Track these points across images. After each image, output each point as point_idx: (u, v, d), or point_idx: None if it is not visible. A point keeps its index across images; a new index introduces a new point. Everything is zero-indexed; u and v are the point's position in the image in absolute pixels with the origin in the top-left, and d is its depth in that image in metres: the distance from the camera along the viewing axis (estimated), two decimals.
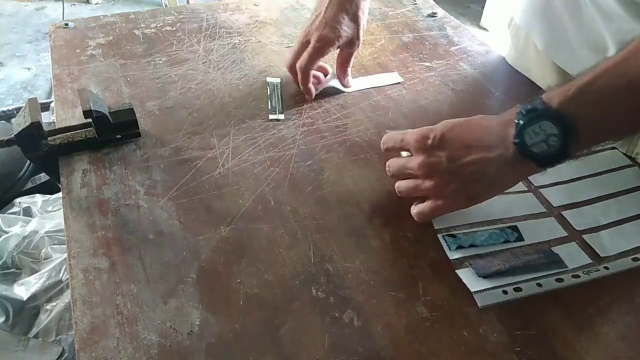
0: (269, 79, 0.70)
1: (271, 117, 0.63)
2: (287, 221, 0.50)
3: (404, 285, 0.45)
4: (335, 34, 0.62)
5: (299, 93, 0.68)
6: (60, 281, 0.97)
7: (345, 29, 0.62)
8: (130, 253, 0.47)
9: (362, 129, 0.62)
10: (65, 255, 0.96)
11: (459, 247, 0.49)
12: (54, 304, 0.94)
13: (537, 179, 0.56)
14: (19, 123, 0.52)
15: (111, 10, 2.69)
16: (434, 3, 0.92)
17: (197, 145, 0.59)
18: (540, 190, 0.55)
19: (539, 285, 0.46)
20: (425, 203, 0.48)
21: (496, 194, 0.47)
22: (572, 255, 0.49)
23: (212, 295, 0.44)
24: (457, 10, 2.77)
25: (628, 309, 0.45)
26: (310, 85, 0.65)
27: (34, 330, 0.91)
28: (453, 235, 0.50)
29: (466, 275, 0.46)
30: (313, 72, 0.65)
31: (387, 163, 0.51)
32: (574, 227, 0.52)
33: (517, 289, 0.45)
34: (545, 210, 0.53)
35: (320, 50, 0.62)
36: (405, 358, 0.40)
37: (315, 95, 0.66)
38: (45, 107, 1.39)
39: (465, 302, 0.45)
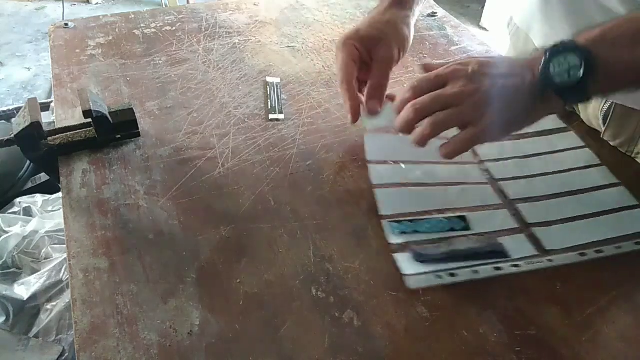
0: (268, 79, 0.70)
1: (271, 117, 0.63)
2: (287, 221, 0.50)
3: (404, 285, 0.45)
4: (351, 33, 0.56)
5: (299, 93, 0.68)
6: (61, 281, 0.97)
7: (364, 25, 0.56)
8: (130, 253, 0.47)
9: (362, 129, 0.62)
10: (65, 255, 0.96)
11: (403, 233, 0.49)
12: (54, 303, 0.94)
13: (499, 170, 0.57)
14: (19, 123, 0.52)
15: (111, 10, 2.69)
16: (434, 3, 0.92)
17: (197, 145, 0.59)
18: (500, 183, 0.55)
19: (475, 272, 0.46)
20: (463, 132, 0.47)
21: (528, 125, 0.48)
22: (517, 247, 0.48)
23: (212, 295, 0.44)
24: (457, 10, 2.77)
25: (628, 309, 0.45)
26: (356, 103, 0.55)
27: (34, 330, 0.91)
28: (398, 222, 0.50)
29: (402, 259, 0.47)
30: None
31: (414, 102, 0.48)
32: (526, 220, 0.51)
33: (452, 275, 0.46)
34: (500, 202, 0.53)
35: (343, 54, 0.55)
36: (405, 358, 0.40)
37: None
38: (45, 107, 1.39)
39: (465, 302, 0.45)
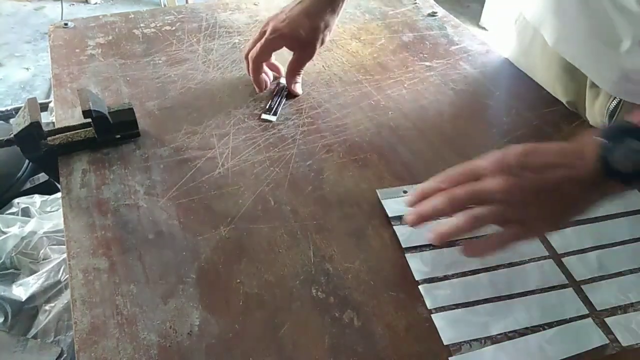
0: (282, 80, 0.69)
1: (263, 116, 0.63)
2: (287, 221, 0.50)
3: (404, 285, 0.45)
4: (289, 30, 0.62)
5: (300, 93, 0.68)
6: (59, 282, 0.97)
7: (302, 32, 0.62)
8: (129, 253, 0.46)
9: (362, 129, 0.62)
10: (64, 255, 0.96)
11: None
12: (52, 304, 0.94)
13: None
14: (19, 123, 0.52)
15: (110, 10, 2.68)
16: (434, 2, 0.92)
17: (196, 145, 0.59)
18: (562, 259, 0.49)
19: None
20: (506, 231, 0.43)
21: (578, 217, 0.44)
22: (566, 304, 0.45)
23: (212, 295, 0.44)
24: (456, 10, 2.77)
25: None
26: (262, 77, 0.65)
27: (33, 331, 0.91)
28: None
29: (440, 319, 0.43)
30: (266, 69, 0.67)
31: (448, 193, 0.43)
32: (574, 276, 0.47)
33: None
34: (546, 254, 0.49)
35: (272, 43, 0.62)
36: (405, 358, 0.40)
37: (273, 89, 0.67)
38: (43, 107, 1.38)
39: None
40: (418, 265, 0.47)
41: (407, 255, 0.48)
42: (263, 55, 0.64)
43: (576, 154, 0.42)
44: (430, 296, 0.44)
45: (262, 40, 0.63)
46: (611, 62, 0.58)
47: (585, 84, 0.64)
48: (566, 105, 0.68)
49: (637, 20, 0.53)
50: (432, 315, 0.43)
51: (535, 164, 0.41)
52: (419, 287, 0.45)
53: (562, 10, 0.63)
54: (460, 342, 0.41)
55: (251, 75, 0.66)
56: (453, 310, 0.43)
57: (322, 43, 0.65)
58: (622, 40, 0.56)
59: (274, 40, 0.62)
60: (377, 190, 0.53)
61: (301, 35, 0.62)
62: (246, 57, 0.66)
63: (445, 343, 0.41)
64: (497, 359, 0.40)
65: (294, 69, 0.66)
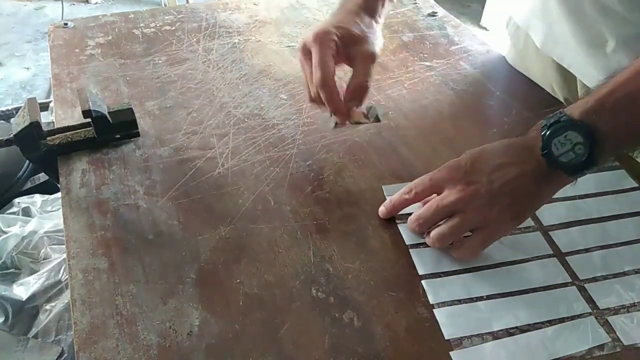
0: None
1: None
2: (287, 221, 0.50)
3: (404, 286, 0.45)
4: (329, 26, 0.51)
5: (298, 93, 0.67)
6: (60, 281, 0.97)
7: (342, 22, 0.52)
8: (129, 253, 0.46)
9: (362, 129, 0.62)
10: (65, 255, 0.96)
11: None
12: (53, 304, 0.94)
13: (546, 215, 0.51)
14: (18, 123, 0.52)
15: (110, 9, 2.68)
16: (434, 2, 0.92)
17: (196, 145, 0.58)
18: (549, 231, 0.50)
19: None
20: (472, 237, 0.45)
21: (537, 209, 0.46)
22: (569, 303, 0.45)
23: (211, 295, 0.44)
24: (457, 10, 2.77)
25: None
26: (339, 98, 0.51)
27: (34, 331, 0.91)
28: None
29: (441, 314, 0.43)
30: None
31: (415, 216, 0.47)
32: (578, 275, 0.47)
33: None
34: (550, 252, 0.49)
35: (323, 48, 0.50)
36: (405, 358, 0.40)
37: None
38: (44, 107, 1.38)
39: None
40: (422, 260, 0.47)
41: (412, 251, 0.48)
42: (327, 67, 0.49)
43: (523, 150, 0.44)
44: (433, 291, 0.44)
45: (315, 54, 0.50)
46: (598, 63, 0.58)
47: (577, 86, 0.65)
48: (564, 104, 0.68)
49: (621, 20, 0.54)
50: (434, 310, 0.43)
51: (485, 168, 0.44)
52: (422, 282, 0.45)
53: (548, 12, 0.64)
54: (462, 337, 0.41)
55: (331, 106, 0.51)
56: (455, 306, 0.44)
57: (378, 44, 0.54)
58: (607, 40, 0.56)
59: (323, 44, 0.49)
60: (382, 187, 0.54)
61: (343, 24, 0.52)
62: (316, 100, 0.53)
63: (446, 337, 0.41)
64: (497, 355, 0.40)
65: (356, 85, 0.52)
